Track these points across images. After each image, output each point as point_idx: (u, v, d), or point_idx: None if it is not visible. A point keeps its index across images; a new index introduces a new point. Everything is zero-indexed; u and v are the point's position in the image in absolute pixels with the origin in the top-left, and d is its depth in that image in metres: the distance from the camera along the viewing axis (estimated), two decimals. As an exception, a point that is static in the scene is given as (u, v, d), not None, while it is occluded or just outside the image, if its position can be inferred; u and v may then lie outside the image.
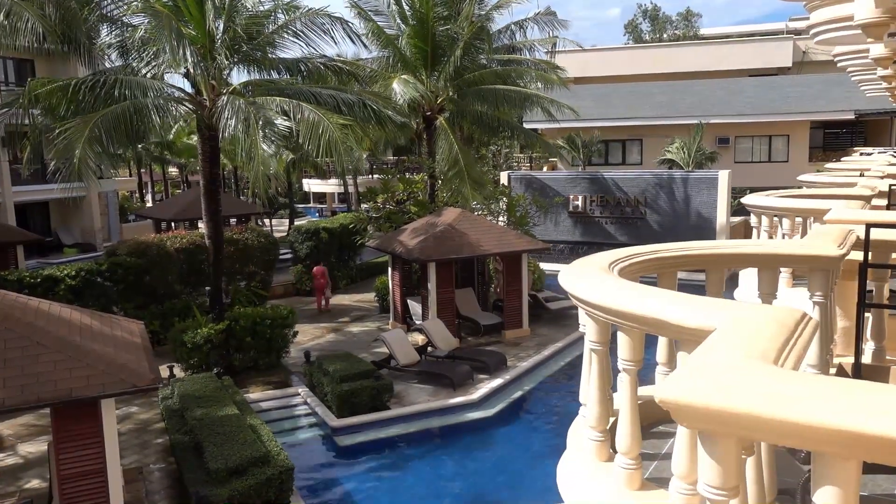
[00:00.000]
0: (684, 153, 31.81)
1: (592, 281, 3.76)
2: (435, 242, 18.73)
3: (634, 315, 3.42)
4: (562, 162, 36.64)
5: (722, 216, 27.80)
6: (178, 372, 16.21)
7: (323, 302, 23.35)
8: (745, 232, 31.01)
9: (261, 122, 14.09)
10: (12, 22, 14.36)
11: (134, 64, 16.11)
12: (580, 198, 30.47)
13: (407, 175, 30.36)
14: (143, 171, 53.66)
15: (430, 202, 22.95)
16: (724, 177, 27.77)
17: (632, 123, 36.84)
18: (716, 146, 34.42)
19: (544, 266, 25.30)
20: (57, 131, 14.31)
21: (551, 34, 26.53)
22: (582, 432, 4.16)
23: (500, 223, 24.02)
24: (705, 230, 27.96)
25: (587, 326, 3.85)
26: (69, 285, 17.67)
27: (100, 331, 10.34)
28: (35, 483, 11.85)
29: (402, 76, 21.55)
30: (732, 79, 40.44)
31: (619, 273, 4.01)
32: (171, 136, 42.25)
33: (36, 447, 13.17)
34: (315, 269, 23.55)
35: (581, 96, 30.74)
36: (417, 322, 19.11)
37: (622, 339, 3.71)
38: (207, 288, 19.03)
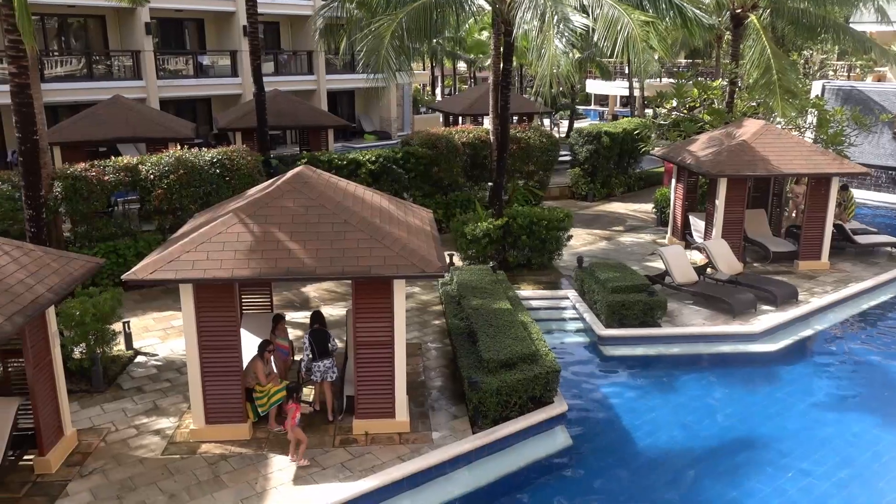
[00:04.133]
0: None
1: None
2: (729, 156, 17.11)
3: None
4: (894, 73, 31.02)
5: None
6: (457, 261, 17.14)
7: None
8: None
9: (556, 18, 13.60)
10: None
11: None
12: (913, 116, 25.77)
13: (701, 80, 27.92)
14: (434, 65, 56.20)
15: (726, 111, 20.91)
16: None
17: None
18: None
19: (855, 193, 22.05)
20: (367, 30, 15.18)
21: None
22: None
23: (806, 140, 21.23)
24: None
25: None
26: (369, 169, 19.32)
27: (396, 215, 11.12)
28: (334, 342, 13.48)
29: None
30: None
31: None
32: (463, 32, 43.30)
33: (335, 310, 14.92)
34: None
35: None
36: (699, 240, 17.94)
37: None
38: (489, 183, 19.60)
